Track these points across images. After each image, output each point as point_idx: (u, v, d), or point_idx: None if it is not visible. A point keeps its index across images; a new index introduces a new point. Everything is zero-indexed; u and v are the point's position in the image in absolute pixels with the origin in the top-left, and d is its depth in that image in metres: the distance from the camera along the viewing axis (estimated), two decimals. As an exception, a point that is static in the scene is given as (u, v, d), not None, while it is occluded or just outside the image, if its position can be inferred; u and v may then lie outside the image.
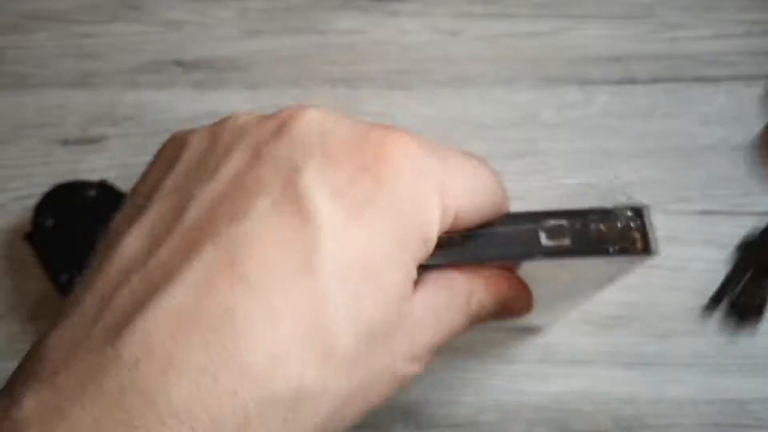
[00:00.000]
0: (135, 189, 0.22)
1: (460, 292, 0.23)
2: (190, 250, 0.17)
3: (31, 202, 0.44)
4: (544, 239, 0.23)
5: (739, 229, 0.45)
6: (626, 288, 0.44)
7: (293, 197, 0.18)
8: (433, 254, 0.21)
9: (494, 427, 0.41)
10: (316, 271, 0.17)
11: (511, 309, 0.25)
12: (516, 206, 0.26)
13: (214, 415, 0.15)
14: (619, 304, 0.43)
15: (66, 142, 0.48)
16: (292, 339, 0.17)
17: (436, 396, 0.41)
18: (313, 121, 0.19)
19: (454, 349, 0.42)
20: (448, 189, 0.20)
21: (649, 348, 0.42)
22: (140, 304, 0.16)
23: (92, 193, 0.43)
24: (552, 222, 0.23)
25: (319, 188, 0.18)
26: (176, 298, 0.16)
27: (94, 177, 0.45)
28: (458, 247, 0.23)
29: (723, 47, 0.51)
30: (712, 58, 0.50)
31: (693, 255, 0.44)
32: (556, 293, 0.31)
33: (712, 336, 0.43)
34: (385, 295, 0.19)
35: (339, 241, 0.18)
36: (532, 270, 0.24)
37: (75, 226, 0.42)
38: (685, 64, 0.50)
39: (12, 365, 0.43)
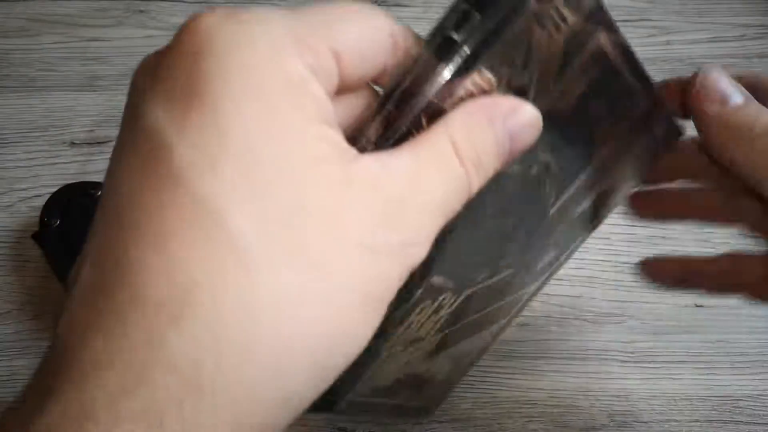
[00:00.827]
0: None
1: (436, 143, 0.17)
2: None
3: (39, 203, 0.44)
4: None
5: (731, 229, 0.45)
6: (620, 286, 0.44)
7: (135, 131, 0.15)
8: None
9: (491, 422, 0.41)
10: (183, 184, 0.14)
11: (518, 136, 0.18)
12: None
13: None
14: (614, 302, 0.44)
15: (73, 144, 0.49)
16: (191, 283, 0.14)
17: (434, 392, 0.42)
18: (151, 55, 0.17)
19: (452, 346, 0.43)
20: (307, 30, 0.16)
21: (644, 345, 0.43)
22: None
23: (99, 193, 0.44)
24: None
25: (147, 102, 0.15)
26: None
27: (101, 178, 0.45)
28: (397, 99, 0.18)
29: (717, 50, 0.51)
30: (706, 62, 0.51)
31: (686, 254, 0.45)
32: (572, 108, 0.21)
33: (705, 333, 0.43)
34: (289, 175, 0.15)
35: (189, 140, 0.15)
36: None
37: (82, 226, 0.42)
38: (679, 68, 0.51)
39: (20, 362, 0.44)
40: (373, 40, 0.18)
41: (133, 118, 0.16)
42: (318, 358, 0.15)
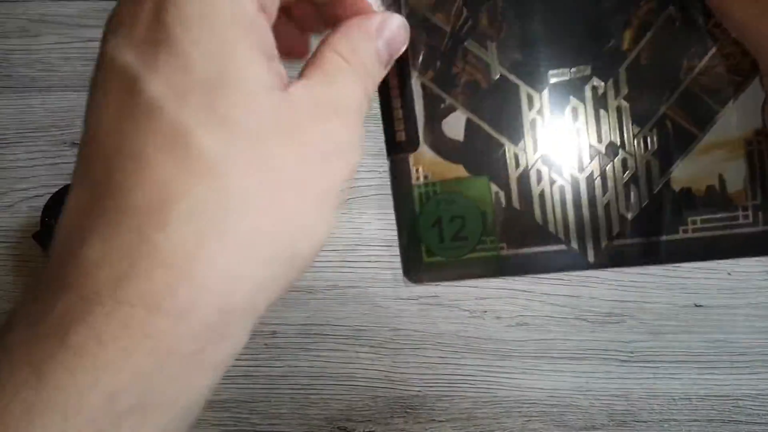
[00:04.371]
0: None
1: (326, 58, 0.21)
2: None
3: (39, 203, 0.45)
4: None
5: (732, 229, 0.46)
6: (620, 286, 0.44)
7: (111, 74, 0.18)
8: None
9: (491, 422, 0.41)
10: (156, 112, 0.17)
11: (393, 41, 0.23)
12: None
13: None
14: (613, 302, 0.44)
15: (74, 144, 0.49)
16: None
17: (434, 391, 0.42)
18: (117, 8, 0.19)
19: (452, 345, 0.43)
20: None
21: (643, 344, 0.43)
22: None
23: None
24: None
25: (120, 49, 0.18)
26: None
27: (101, 178, 0.45)
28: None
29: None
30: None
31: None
32: None
33: (705, 333, 0.43)
34: (246, 100, 0.18)
35: (159, 77, 0.17)
36: None
37: (82, 226, 0.43)
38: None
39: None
40: None
41: (107, 64, 0.18)
42: (281, 248, 0.18)
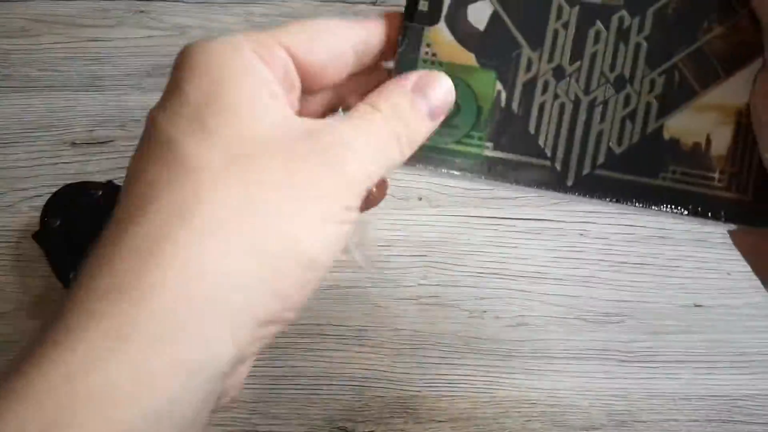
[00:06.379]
0: None
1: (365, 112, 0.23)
2: None
3: (39, 202, 0.45)
4: None
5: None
6: (619, 286, 0.45)
7: (158, 144, 0.21)
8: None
9: (490, 422, 0.41)
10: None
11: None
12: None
13: None
14: (613, 302, 0.44)
15: (74, 144, 0.49)
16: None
17: (434, 391, 0.42)
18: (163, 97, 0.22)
19: (451, 345, 0.43)
20: (263, 33, 0.22)
21: (643, 344, 0.43)
22: None
23: (99, 193, 0.44)
24: None
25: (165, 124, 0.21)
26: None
27: (101, 178, 0.45)
28: None
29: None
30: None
31: (684, 254, 0.45)
32: None
33: (704, 333, 0.44)
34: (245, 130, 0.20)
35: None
36: None
37: (82, 226, 0.43)
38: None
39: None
40: (326, 42, 0.23)
41: (155, 136, 0.21)
42: (258, 245, 0.19)
